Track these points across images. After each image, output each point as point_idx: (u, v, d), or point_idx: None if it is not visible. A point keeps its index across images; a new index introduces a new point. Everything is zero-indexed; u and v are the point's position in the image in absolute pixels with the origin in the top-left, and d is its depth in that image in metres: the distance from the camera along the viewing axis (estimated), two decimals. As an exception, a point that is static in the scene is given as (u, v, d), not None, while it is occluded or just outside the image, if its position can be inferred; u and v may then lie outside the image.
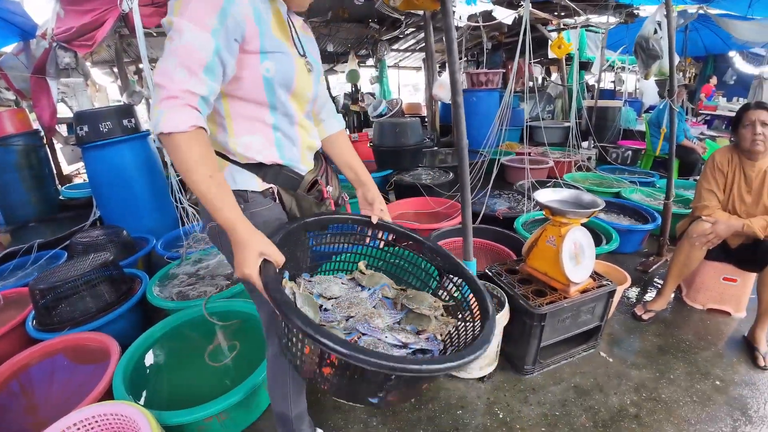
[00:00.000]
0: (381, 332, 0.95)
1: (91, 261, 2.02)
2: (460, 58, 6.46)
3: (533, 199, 3.32)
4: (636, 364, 1.87)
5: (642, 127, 6.61)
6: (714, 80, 9.73)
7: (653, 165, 4.95)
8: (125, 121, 3.04)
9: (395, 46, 8.70)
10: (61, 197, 4.15)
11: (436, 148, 5.54)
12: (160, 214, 3.31)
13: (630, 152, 5.18)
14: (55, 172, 4.33)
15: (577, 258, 1.80)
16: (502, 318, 1.72)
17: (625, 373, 1.83)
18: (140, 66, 7.83)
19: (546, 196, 1.90)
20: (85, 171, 6.94)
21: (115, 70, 6.98)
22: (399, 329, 0.98)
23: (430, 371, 0.71)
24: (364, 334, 0.93)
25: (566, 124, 7.33)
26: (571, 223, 1.76)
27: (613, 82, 10.35)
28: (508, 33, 7.77)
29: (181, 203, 2.85)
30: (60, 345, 1.76)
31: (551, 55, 7.49)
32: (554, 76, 10.31)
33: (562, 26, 7.40)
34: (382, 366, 0.68)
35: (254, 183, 1.01)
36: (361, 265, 1.19)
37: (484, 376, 1.82)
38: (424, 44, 8.44)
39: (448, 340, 0.99)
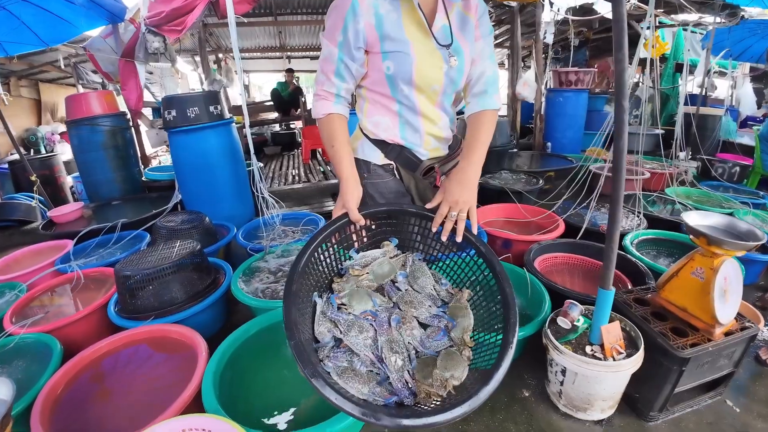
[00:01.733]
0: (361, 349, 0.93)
1: (179, 249, 1.95)
2: (545, 55, 6.00)
3: (636, 213, 2.91)
4: (763, 416, 1.58)
5: (743, 140, 5.82)
6: (805, 90, 8.40)
7: (759, 184, 4.32)
8: (212, 108, 3.01)
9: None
10: (143, 179, 4.28)
11: (516, 150, 5.16)
12: (239, 202, 3.27)
13: (738, 168, 4.50)
14: (138, 154, 4.48)
15: (726, 295, 1.48)
16: (635, 362, 1.42)
17: (752, 425, 1.55)
18: (220, 56, 8.09)
19: (696, 220, 1.58)
20: (162, 154, 7.32)
21: (197, 58, 7.24)
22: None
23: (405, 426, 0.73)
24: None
25: (656, 131, 6.64)
26: (725, 254, 1.47)
27: (703, 87, 9.23)
28: (596, 29, 7.16)
29: (261, 193, 2.76)
30: (143, 335, 1.67)
31: (642, 54, 6.81)
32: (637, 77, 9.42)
33: (658, 23, 6.70)
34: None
35: (377, 157, 1.24)
36: (466, 293, 1.09)
37: (603, 419, 1.54)
38: (505, 38, 8.01)
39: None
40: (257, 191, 2.75)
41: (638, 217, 2.89)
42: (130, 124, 4.23)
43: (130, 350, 1.66)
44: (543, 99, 5.60)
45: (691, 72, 6.90)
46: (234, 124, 3.30)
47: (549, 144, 5.50)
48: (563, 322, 1.59)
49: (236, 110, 5.27)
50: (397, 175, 1.26)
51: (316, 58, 9.81)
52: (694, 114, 5.90)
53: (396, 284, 1.09)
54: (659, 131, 6.66)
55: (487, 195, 3.53)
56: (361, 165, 1.22)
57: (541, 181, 3.56)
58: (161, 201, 3.39)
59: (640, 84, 8.36)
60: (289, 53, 9.33)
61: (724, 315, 1.48)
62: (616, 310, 1.67)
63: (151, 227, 2.63)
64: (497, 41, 8.00)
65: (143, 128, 4.84)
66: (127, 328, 1.72)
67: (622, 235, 2.61)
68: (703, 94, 8.72)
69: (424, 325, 1.04)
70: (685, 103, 6.65)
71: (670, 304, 1.63)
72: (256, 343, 1.63)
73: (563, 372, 1.49)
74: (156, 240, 2.50)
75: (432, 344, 0.97)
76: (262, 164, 4.18)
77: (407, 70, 1.07)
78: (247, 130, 2.64)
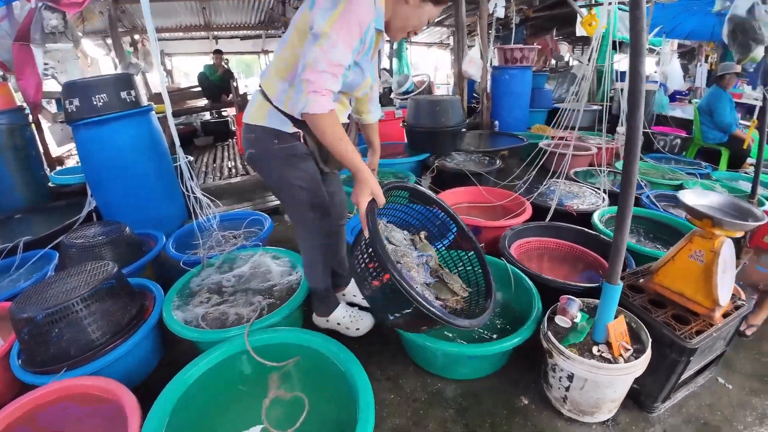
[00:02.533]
0: (414, 282, 1.40)
1: (91, 273, 1.53)
2: (490, 32, 5.88)
3: (602, 189, 2.86)
4: (755, 391, 1.58)
5: (675, 113, 6.17)
6: (738, 67, 9.24)
7: (697, 154, 4.56)
8: (124, 94, 2.50)
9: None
10: (50, 183, 3.58)
11: (464, 130, 5.02)
12: (167, 204, 2.81)
13: (679, 140, 4.71)
14: (42, 154, 3.76)
15: (724, 276, 1.40)
16: (646, 359, 1.29)
17: (748, 402, 1.54)
18: (136, 37, 7.16)
19: (695, 199, 1.47)
20: (75, 153, 6.36)
21: (109, 41, 6.32)
22: (426, 288, 1.45)
23: (436, 316, 1.10)
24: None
25: (594, 107, 6.86)
26: (724, 235, 1.38)
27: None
28: (536, 7, 7.20)
29: (192, 192, 2.34)
30: (56, 395, 1.26)
31: (580, 32, 6.96)
32: (571, 55, 9.77)
33: (594, 2, 6.88)
34: (412, 296, 1.07)
35: (287, 126, 1.35)
36: (422, 234, 1.62)
37: (608, 420, 1.41)
38: (448, 15, 7.84)
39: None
40: (187, 190, 2.32)
41: (604, 193, 2.83)
42: (30, 120, 3.51)
43: (45, 414, 1.25)
44: (489, 77, 5.51)
45: (623, 50, 7.18)
46: (154, 112, 2.79)
47: (497, 122, 5.43)
48: (562, 321, 1.42)
49: (159, 99, 4.62)
50: (302, 141, 1.38)
51: (247, 38, 9.04)
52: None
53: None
54: (596, 107, 6.92)
55: (444, 178, 3.34)
56: (270, 132, 1.35)
57: (498, 162, 3.43)
58: (73, 209, 2.82)
59: (574, 62, 8.64)
60: (215, 33, 8.49)
61: (724, 297, 1.39)
62: (612, 300, 1.53)
63: (60, 245, 2.13)
64: (440, 18, 7.81)
65: (46, 124, 4.08)
66: (36, 384, 1.31)
67: (590, 213, 2.54)
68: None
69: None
70: (618, 80, 6.97)
71: (665, 290, 1.52)
72: (205, 391, 1.29)
73: (569, 378, 1.32)
74: (64, 262, 2.02)
75: (428, 278, 1.51)
76: (191, 158, 3.66)
77: (358, 83, 1.34)
78: (170, 118, 2.19)
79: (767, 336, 1.85)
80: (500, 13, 4.79)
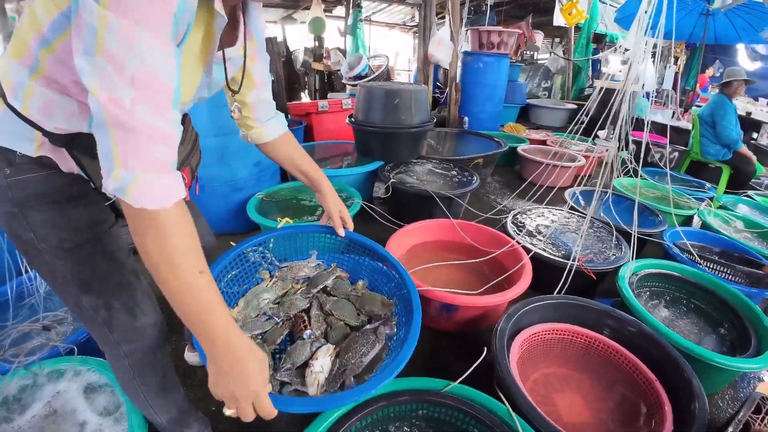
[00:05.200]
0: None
1: None
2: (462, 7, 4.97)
3: (613, 228, 2.06)
4: None
5: (656, 118, 5.64)
6: (710, 71, 9.02)
7: (688, 168, 3.98)
8: None
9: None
10: None
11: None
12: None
13: (676, 154, 4.09)
14: None
15: None
16: None
17: None
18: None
19: None
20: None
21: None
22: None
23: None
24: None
25: (568, 106, 6.21)
26: None
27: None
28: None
29: None
30: None
31: (558, 21, 6.24)
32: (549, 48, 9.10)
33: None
34: None
35: (27, 144, 0.70)
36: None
37: None
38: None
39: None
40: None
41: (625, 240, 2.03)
42: None
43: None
44: (459, 64, 4.62)
45: (603, 46, 6.56)
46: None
47: (466, 119, 4.58)
48: None
49: None
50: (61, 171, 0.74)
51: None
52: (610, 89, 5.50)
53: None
54: (570, 106, 6.27)
55: (402, 200, 2.43)
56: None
57: (475, 179, 2.55)
58: None
59: (551, 54, 7.98)
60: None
61: None
62: None
63: None
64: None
65: None
66: None
67: (612, 272, 1.73)
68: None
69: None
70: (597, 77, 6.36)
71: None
72: None
73: None
74: None
75: None
76: None
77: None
78: None
79: None
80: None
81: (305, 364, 0.93)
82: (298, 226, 1.30)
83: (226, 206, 2.27)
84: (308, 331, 1.02)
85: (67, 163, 0.72)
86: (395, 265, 1.16)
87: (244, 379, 0.66)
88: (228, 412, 0.68)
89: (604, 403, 1.30)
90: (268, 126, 1.05)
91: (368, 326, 1.05)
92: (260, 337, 1.02)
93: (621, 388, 1.32)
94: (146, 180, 0.57)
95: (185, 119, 0.94)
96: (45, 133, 0.69)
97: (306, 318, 1.07)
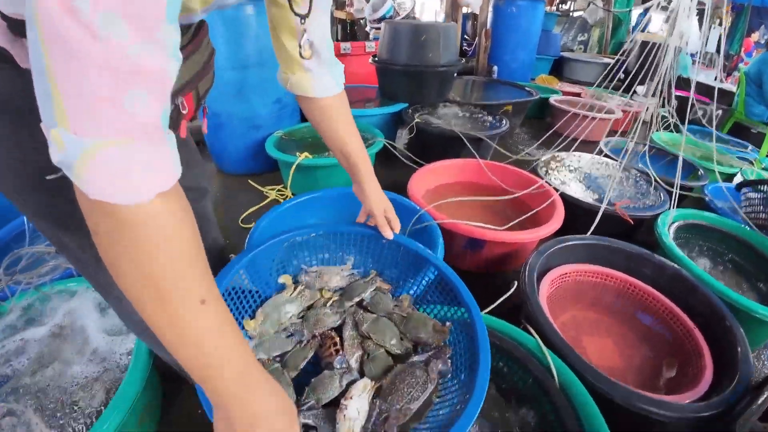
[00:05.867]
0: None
1: None
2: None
3: (652, 176, 1.92)
4: None
5: (700, 78, 5.24)
6: (756, 35, 8.32)
7: (730, 130, 3.70)
8: None
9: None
10: None
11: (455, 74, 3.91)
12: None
13: (720, 112, 3.79)
14: None
15: None
16: None
17: None
18: None
19: None
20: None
21: None
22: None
23: None
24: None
25: (606, 60, 5.80)
26: None
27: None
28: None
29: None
30: None
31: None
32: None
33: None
34: None
35: None
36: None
37: None
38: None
39: None
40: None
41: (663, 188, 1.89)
42: None
43: None
44: (490, 9, 4.31)
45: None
46: None
47: (495, 68, 4.32)
48: None
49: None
50: None
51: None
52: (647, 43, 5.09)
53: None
54: (607, 60, 5.85)
55: (427, 142, 2.31)
56: None
57: (504, 122, 2.40)
58: None
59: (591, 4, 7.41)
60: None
61: None
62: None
63: None
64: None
65: None
66: None
67: (651, 219, 1.62)
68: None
69: None
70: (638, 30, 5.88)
71: None
72: None
73: None
74: None
75: None
76: None
77: None
78: None
79: None
80: None
81: (334, 402, 0.72)
82: (333, 225, 1.02)
83: (244, 144, 2.19)
84: (339, 358, 0.80)
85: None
86: (452, 280, 0.92)
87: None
88: None
89: (636, 350, 1.23)
90: (317, 77, 0.78)
91: (415, 357, 0.80)
92: (278, 360, 0.80)
93: (656, 335, 1.24)
94: (108, 153, 0.34)
95: (200, 29, 0.60)
96: (3, 16, 0.45)
97: (336, 339, 0.84)
